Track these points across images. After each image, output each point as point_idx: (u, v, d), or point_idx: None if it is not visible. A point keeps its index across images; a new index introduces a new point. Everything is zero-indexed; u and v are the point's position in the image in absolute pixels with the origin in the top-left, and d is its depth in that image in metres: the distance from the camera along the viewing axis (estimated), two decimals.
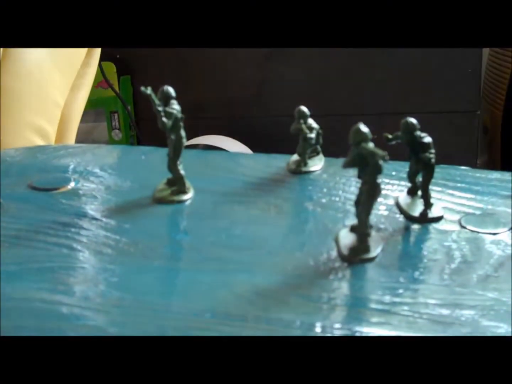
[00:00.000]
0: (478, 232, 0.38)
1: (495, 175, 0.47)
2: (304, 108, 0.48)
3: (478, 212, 0.41)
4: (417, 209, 0.40)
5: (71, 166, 0.50)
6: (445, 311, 0.31)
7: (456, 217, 0.40)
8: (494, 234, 0.38)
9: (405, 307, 0.31)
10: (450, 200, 0.43)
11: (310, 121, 0.48)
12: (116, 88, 1.33)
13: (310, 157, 0.49)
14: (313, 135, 0.48)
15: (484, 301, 0.31)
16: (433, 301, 0.31)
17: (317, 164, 0.49)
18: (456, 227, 0.39)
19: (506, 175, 0.47)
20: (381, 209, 0.42)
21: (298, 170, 0.48)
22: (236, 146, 1.23)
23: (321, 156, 0.50)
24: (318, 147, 0.50)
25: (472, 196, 0.44)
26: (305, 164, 0.49)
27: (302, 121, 0.48)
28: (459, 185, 0.45)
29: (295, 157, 0.49)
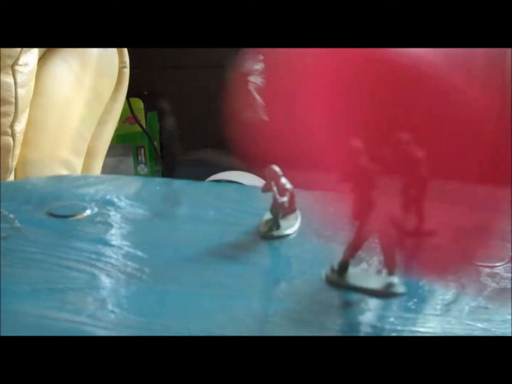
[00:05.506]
0: (476, 265, 0.39)
1: None
2: (275, 168, 0.42)
3: None
4: None
5: (89, 195, 0.52)
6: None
7: None
8: (492, 267, 0.39)
9: (395, 334, 0.32)
10: None
11: (284, 180, 0.43)
12: (143, 124, 1.36)
13: (283, 218, 0.44)
14: (285, 198, 0.42)
15: (473, 330, 0.32)
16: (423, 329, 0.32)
17: (292, 225, 0.44)
18: None
19: None
20: None
21: (270, 235, 0.43)
22: (255, 180, 1.24)
23: (297, 214, 0.45)
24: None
25: None
26: (278, 228, 0.43)
27: (273, 183, 0.43)
28: None
29: (267, 215, 0.44)
